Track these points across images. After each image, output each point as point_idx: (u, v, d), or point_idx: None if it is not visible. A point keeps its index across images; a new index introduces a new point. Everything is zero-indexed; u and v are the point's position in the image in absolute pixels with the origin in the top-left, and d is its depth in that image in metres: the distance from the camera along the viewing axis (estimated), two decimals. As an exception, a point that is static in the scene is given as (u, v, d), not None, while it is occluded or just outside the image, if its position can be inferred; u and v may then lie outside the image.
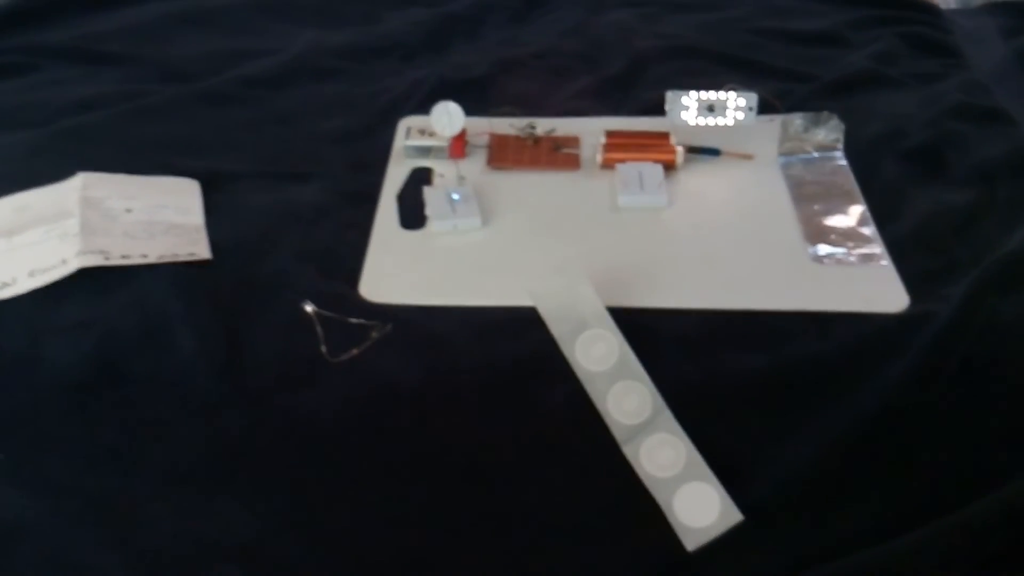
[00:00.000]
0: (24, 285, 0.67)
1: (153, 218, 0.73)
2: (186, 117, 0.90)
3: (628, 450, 0.59)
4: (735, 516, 0.55)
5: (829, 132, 0.82)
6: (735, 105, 0.81)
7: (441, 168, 0.81)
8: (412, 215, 0.77)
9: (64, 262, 0.67)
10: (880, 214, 0.76)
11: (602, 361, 0.62)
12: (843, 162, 0.82)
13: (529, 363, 0.64)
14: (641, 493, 0.57)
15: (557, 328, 0.64)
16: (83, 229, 0.70)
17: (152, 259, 0.69)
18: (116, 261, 0.68)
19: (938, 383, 0.61)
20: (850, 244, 0.73)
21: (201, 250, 0.71)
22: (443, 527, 0.57)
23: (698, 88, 0.81)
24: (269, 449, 0.60)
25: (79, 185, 0.75)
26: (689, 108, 0.82)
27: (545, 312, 0.65)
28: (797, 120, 0.81)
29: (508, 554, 0.56)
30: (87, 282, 0.67)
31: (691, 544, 0.55)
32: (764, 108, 0.82)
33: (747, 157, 0.82)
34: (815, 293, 0.69)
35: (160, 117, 0.90)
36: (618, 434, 0.59)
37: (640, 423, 0.59)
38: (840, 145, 0.82)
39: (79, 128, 0.87)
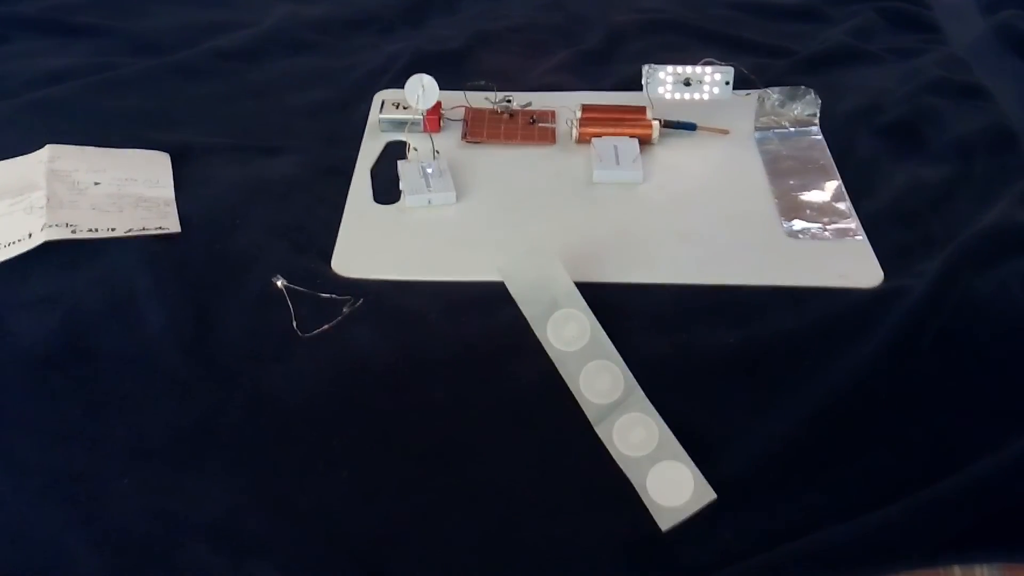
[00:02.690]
0: (-11, 259, 0.66)
1: (122, 191, 0.72)
2: (158, 90, 0.89)
3: (601, 430, 0.58)
4: (708, 495, 0.55)
5: (805, 107, 0.81)
6: (712, 79, 0.81)
7: (416, 142, 0.80)
8: (386, 189, 0.76)
9: (30, 236, 0.66)
10: (856, 189, 0.76)
11: (574, 341, 0.62)
12: (819, 137, 0.82)
13: (502, 339, 0.63)
14: (614, 470, 0.57)
15: (528, 308, 0.64)
16: (49, 202, 0.69)
17: (120, 233, 0.68)
18: (83, 235, 0.67)
19: (912, 359, 0.61)
20: (825, 219, 0.73)
21: (171, 224, 0.70)
22: (415, 503, 0.56)
23: (675, 63, 0.81)
24: (238, 425, 0.59)
25: (46, 157, 0.74)
26: (666, 82, 0.81)
27: (515, 291, 0.64)
28: (773, 95, 0.81)
29: (480, 530, 0.55)
30: (53, 256, 0.66)
31: (665, 524, 0.55)
32: (741, 83, 0.82)
33: (723, 132, 0.82)
34: (789, 268, 0.68)
35: (131, 89, 0.88)
36: (590, 414, 0.59)
37: (612, 403, 0.59)
38: (816, 120, 0.82)
39: (48, 100, 0.86)
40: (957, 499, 0.55)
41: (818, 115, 0.82)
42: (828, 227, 0.72)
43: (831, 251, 0.70)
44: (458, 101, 0.84)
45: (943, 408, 0.60)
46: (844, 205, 0.74)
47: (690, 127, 0.81)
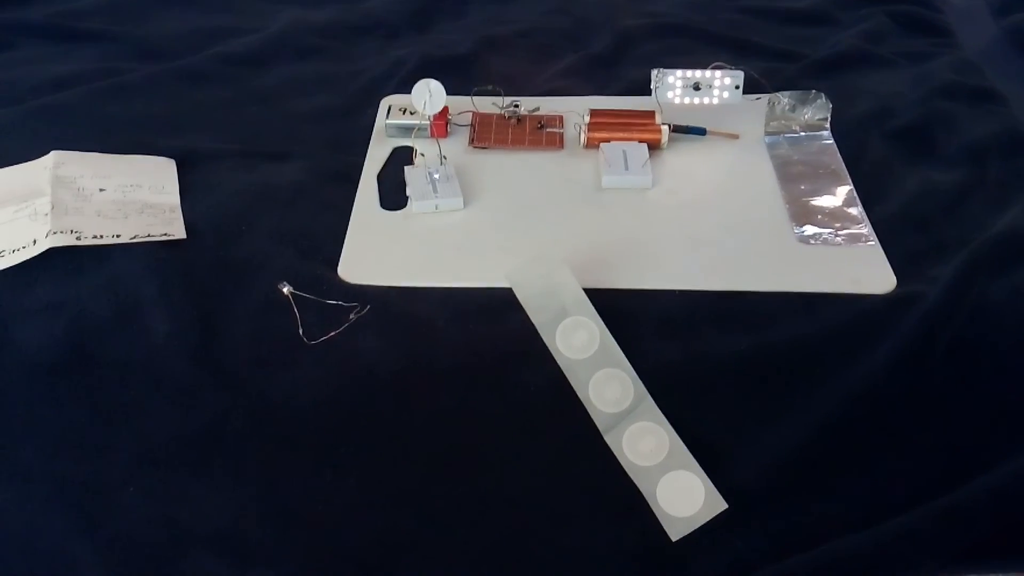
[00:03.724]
0: (-7, 266, 0.65)
1: (127, 197, 0.72)
2: (163, 95, 0.88)
3: (610, 439, 0.58)
4: (720, 505, 0.55)
5: (816, 111, 0.81)
6: (721, 84, 0.80)
7: (423, 147, 0.80)
8: (393, 195, 0.76)
9: (34, 242, 0.66)
10: (867, 194, 0.75)
11: (583, 349, 0.61)
12: (830, 141, 0.81)
13: (511, 345, 0.62)
14: (624, 479, 0.56)
15: (536, 315, 0.63)
16: (54, 208, 0.69)
17: (125, 239, 0.67)
18: (88, 241, 0.66)
19: (925, 366, 0.60)
20: (837, 225, 0.72)
21: (176, 230, 0.70)
22: (423, 512, 0.56)
23: (684, 67, 0.80)
24: (244, 433, 0.58)
25: (51, 163, 0.74)
26: (675, 87, 0.80)
27: (524, 299, 0.64)
28: (784, 99, 0.80)
29: (489, 540, 0.55)
30: (58, 263, 0.66)
31: (675, 534, 0.54)
32: (751, 87, 0.81)
33: (733, 136, 0.81)
34: (801, 274, 0.68)
35: (137, 95, 0.88)
36: (600, 423, 0.58)
37: (622, 411, 0.58)
38: (827, 124, 0.81)
39: (53, 106, 0.85)
40: (972, 508, 0.55)
41: (829, 119, 0.81)
42: (840, 232, 0.71)
43: (843, 257, 0.69)
44: (465, 106, 0.84)
45: (957, 415, 0.59)
46: (856, 210, 0.73)
47: (700, 132, 0.81)
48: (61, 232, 0.66)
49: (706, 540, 0.54)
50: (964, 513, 0.54)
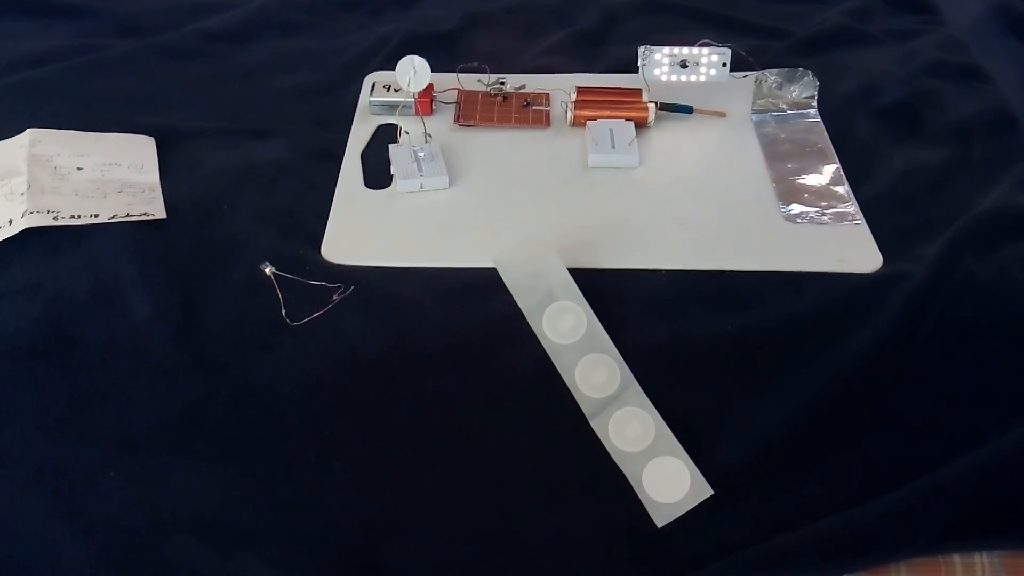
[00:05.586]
0: (-31, 247, 0.64)
1: (105, 176, 0.71)
2: (143, 72, 0.87)
3: (596, 424, 0.57)
4: (705, 491, 0.55)
5: (803, 89, 0.80)
6: (708, 61, 0.79)
7: (407, 125, 0.79)
8: (377, 174, 0.75)
9: (10, 223, 0.65)
10: (854, 173, 0.75)
11: (569, 334, 0.60)
12: (817, 120, 0.80)
13: (497, 327, 0.62)
14: (611, 463, 0.56)
15: (523, 300, 0.62)
16: (31, 188, 0.67)
17: (104, 219, 0.66)
18: (66, 221, 0.65)
19: (912, 344, 0.60)
20: (823, 203, 0.72)
21: (156, 210, 0.69)
22: (407, 495, 0.56)
23: (672, 44, 0.80)
24: (227, 416, 0.58)
25: (27, 142, 0.73)
26: (662, 64, 0.80)
27: (510, 282, 0.63)
28: (771, 77, 0.80)
29: (473, 522, 0.55)
30: (35, 243, 0.65)
31: (661, 520, 0.54)
32: (738, 64, 0.80)
33: (720, 115, 0.81)
34: (788, 253, 0.67)
35: (116, 72, 0.87)
36: (586, 408, 0.58)
37: (608, 397, 0.58)
38: (814, 102, 0.81)
39: (30, 83, 0.84)
40: (958, 487, 0.55)
41: (816, 97, 0.81)
42: (826, 211, 0.71)
43: (830, 235, 0.69)
44: (450, 83, 0.83)
45: (943, 394, 0.59)
46: (843, 189, 0.73)
47: (687, 110, 0.80)
48: (38, 212, 0.65)
49: (693, 522, 0.54)
50: (949, 492, 0.54)
